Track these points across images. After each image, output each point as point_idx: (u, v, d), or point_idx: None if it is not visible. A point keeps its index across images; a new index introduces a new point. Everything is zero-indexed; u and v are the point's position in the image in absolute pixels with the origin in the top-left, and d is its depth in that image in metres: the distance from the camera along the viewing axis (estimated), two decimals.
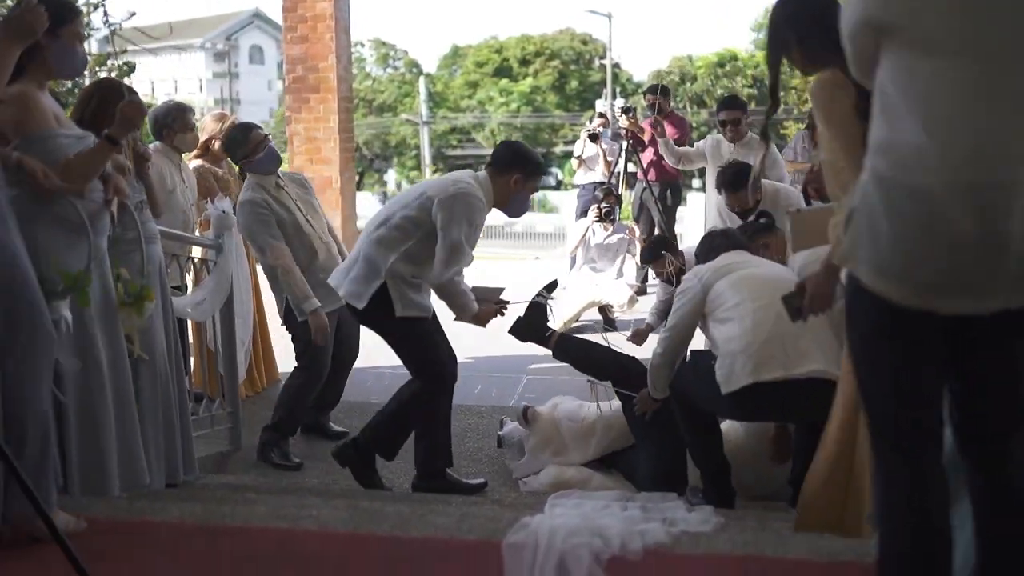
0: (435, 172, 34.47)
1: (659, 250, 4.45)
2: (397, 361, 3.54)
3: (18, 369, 2.22)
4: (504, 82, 37.19)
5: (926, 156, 1.45)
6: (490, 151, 3.73)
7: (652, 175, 6.80)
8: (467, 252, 3.34)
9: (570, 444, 3.76)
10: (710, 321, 3.11)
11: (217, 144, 4.54)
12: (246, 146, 3.97)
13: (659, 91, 6.59)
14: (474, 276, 3.66)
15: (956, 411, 1.62)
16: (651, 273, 5.37)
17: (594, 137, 7.44)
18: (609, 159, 7.41)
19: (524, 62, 37.60)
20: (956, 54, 1.46)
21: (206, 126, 4.68)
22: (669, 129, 6.06)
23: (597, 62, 36.92)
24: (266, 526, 2.43)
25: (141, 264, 2.92)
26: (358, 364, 4.45)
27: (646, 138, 6.63)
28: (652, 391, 3.26)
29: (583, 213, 7.26)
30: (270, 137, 4.10)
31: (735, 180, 4.12)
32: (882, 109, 1.54)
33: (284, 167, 4.98)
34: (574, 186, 8.46)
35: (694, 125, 31.63)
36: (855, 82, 1.75)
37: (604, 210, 6.03)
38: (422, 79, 36.58)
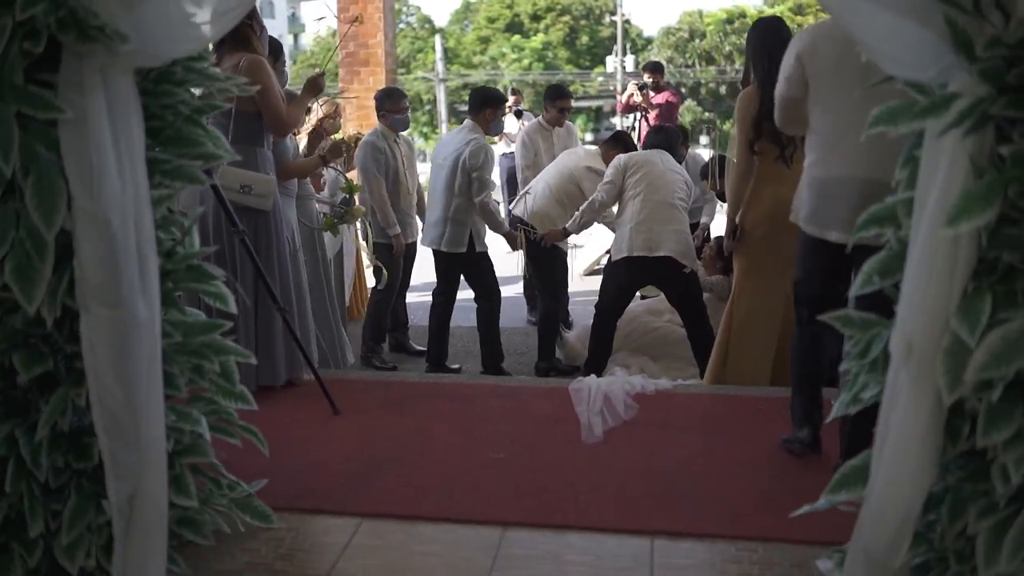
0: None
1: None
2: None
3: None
4: (516, 38, 37.67)
5: (830, 163, 2.78)
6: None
7: None
8: None
9: None
10: None
11: (329, 123, 5.85)
12: (394, 105, 5.22)
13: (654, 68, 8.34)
14: None
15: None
16: None
17: (518, 114, 8.81)
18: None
19: (535, 17, 37.81)
20: (836, 102, 2.77)
21: (318, 109, 5.97)
22: (671, 97, 7.88)
23: (608, 17, 37.26)
24: (420, 380, 3.89)
25: (312, 212, 4.35)
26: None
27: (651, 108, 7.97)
28: (572, 227, 4.82)
29: (506, 181, 8.67)
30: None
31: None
32: (811, 132, 2.87)
33: (342, 134, 6.18)
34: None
35: (702, 81, 32.09)
36: (760, 101, 3.25)
37: None
38: (438, 37, 36.98)
